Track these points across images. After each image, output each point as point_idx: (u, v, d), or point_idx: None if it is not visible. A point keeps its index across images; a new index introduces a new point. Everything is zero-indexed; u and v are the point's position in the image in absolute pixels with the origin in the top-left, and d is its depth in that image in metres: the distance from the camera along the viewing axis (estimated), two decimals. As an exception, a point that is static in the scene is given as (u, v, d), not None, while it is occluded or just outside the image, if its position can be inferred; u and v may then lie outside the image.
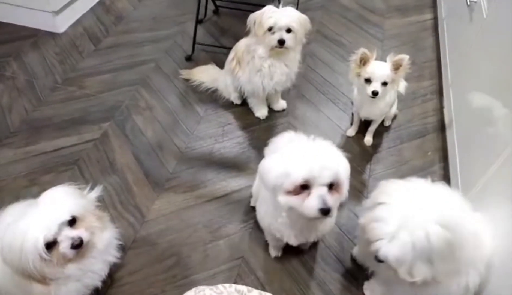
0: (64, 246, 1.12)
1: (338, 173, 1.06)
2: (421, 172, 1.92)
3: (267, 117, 2.18)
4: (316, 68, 2.53)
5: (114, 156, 1.94)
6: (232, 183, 1.84)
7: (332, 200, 1.05)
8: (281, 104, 2.23)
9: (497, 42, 1.67)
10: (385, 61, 1.70)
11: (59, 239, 1.11)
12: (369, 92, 1.67)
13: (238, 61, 2.00)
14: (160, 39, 2.71)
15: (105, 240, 1.28)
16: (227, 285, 0.89)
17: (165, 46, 2.65)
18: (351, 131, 2.07)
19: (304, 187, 1.05)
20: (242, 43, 1.98)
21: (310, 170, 1.02)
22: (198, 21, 2.72)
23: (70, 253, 1.13)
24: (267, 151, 1.49)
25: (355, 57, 1.71)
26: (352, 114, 2.13)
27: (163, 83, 2.37)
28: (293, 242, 1.33)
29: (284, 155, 1.10)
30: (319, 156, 1.05)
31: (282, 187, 1.06)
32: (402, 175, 1.88)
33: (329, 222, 1.31)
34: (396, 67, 1.67)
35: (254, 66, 1.91)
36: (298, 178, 1.02)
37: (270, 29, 1.74)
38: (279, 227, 1.29)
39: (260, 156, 1.92)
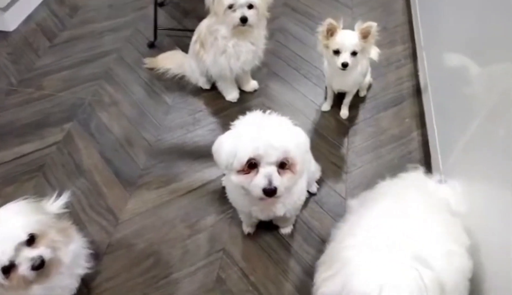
0: (23, 269, 1.03)
1: (287, 151, 1.00)
2: (399, 140, 1.87)
3: (239, 100, 2.09)
4: (287, 43, 2.42)
5: (80, 158, 1.84)
6: (208, 172, 1.76)
7: (282, 180, 1.01)
8: (252, 84, 2.14)
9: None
10: (355, 29, 1.62)
11: (17, 261, 1.02)
12: (339, 64, 1.59)
13: (202, 43, 1.89)
14: (120, 27, 2.56)
15: (71, 253, 1.20)
16: None
17: (126, 34, 2.50)
18: (326, 106, 2.00)
19: (253, 166, 1.01)
20: (204, 24, 1.86)
21: (255, 148, 0.97)
22: (158, 4, 2.58)
23: (31, 274, 1.05)
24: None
25: (321, 28, 1.62)
26: (326, 87, 2.05)
27: (127, 74, 2.24)
28: (261, 216, 1.31)
29: (233, 133, 1.05)
30: (266, 133, 1.00)
31: (232, 166, 1.02)
32: (380, 145, 1.85)
33: (291, 198, 1.25)
34: (365, 35, 1.59)
35: (218, 48, 1.80)
36: (243, 157, 0.98)
37: (230, 6, 1.64)
38: (244, 202, 1.27)
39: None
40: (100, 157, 1.84)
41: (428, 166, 1.72)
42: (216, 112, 2.03)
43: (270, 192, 0.99)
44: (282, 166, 1.02)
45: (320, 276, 0.98)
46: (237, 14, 1.65)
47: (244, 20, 1.66)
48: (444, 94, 1.72)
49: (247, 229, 1.54)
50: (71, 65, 2.31)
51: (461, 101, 1.51)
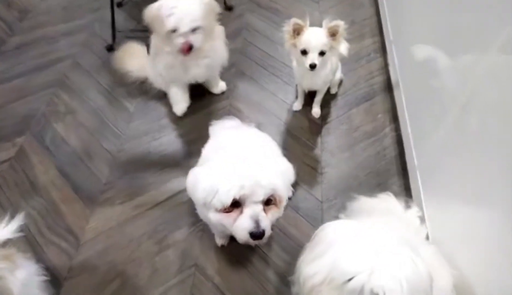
0: None
1: (275, 188, 0.90)
2: (373, 136, 1.82)
3: (207, 103, 1.99)
4: (254, 41, 2.34)
5: (35, 174, 1.68)
6: (176, 182, 1.65)
7: (268, 219, 0.91)
8: (220, 86, 2.02)
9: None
10: (322, 26, 1.55)
11: None
12: (307, 65, 1.52)
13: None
14: (75, 31, 2.39)
15: (18, 282, 1.07)
16: None
17: (82, 38, 2.34)
18: (297, 105, 1.93)
19: (236, 204, 0.90)
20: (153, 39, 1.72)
21: (241, 187, 0.86)
22: (117, 4, 2.43)
23: None
24: (212, 130, 1.45)
25: (287, 28, 1.54)
26: (296, 86, 1.98)
27: (84, 81, 2.09)
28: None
29: (212, 168, 0.93)
30: (251, 170, 0.89)
31: (212, 204, 0.90)
32: (354, 143, 1.80)
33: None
34: (333, 33, 1.52)
35: (167, 62, 1.68)
36: (227, 197, 0.87)
37: (173, 30, 1.49)
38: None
39: (202, 146, 1.74)
40: (57, 172, 1.69)
41: (403, 162, 1.69)
42: (182, 118, 1.91)
43: (258, 235, 0.89)
44: (267, 202, 0.92)
45: (306, 257, 0.91)
46: (180, 40, 1.51)
47: (189, 48, 1.53)
48: (415, 88, 1.68)
49: (220, 241, 1.44)
50: (22, 73, 2.13)
51: (433, 95, 1.48)
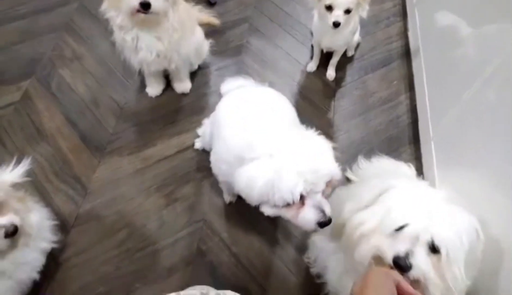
0: None
1: (333, 174, 0.87)
2: (387, 103, 1.79)
3: (218, 59, 1.91)
4: (269, -5, 2.23)
5: (40, 120, 1.65)
6: (184, 137, 1.63)
7: (328, 204, 0.89)
8: (182, 86, 1.75)
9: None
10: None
11: None
12: (330, 23, 1.44)
13: None
14: (81, -29, 2.26)
15: (35, 223, 1.09)
16: (173, 294, 0.72)
17: (89, -20, 2.22)
18: (312, 66, 1.86)
19: None
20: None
21: (305, 183, 0.83)
22: None
23: (4, 243, 0.97)
24: (223, 87, 1.38)
25: None
26: (312, 46, 1.91)
27: (91, 26, 2.00)
28: None
29: (268, 164, 0.87)
30: (308, 161, 0.84)
31: (271, 201, 0.87)
32: (368, 109, 1.76)
33: None
34: None
35: (118, 39, 1.45)
36: (294, 195, 0.83)
37: None
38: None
39: (215, 101, 1.70)
40: (64, 119, 1.65)
41: (416, 131, 1.66)
42: (192, 73, 1.84)
43: (326, 223, 0.87)
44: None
45: (352, 207, 0.91)
46: None
47: (146, 5, 1.23)
48: (437, 56, 1.62)
49: (228, 197, 1.44)
50: (26, 14, 2.03)
51: (456, 65, 1.42)
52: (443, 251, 0.75)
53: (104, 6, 1.35)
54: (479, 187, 1.14)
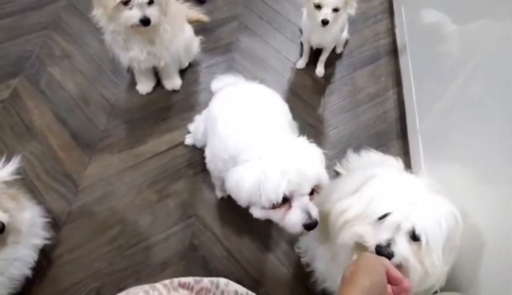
0: None
1: (320, 178, 0.89)
2: (376, 99, 1.82)
3: (209, 56, 1.93)
4: (258, -7, 2.24)
5: (30, 118, 1.64)
6: (175, 134, 1.63)
7: (315, 207, 0.90)
8: (172, 83, 1.76)
9: None
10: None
11: None
12: (319, 20, 1.47)
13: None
14: (69, -31, 2.25)
15: (26, 221, 1.09)
16: (167, 281, 0.73)
17: (77, -23, 2.21)
18: (302, 63, 1.89)
19: (284, 199, 0.87)
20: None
21: (288, 183, 0.84)
22: None
23: None
24: (214, 85, 1.38)
25: None
26: (302, 43, 1.93)
27: (80, 24, 2.00)
28: None
29: (255, 165, 0.89)
30: (295, 163, 0.86)
31: (258, 202, 0.88)
32: (357, 104, 1.79)
33: None
34: None
35: (110, 41, 1.50)
36: (277, 195, 0.84)
37: (125, 3, 1.28)
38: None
39: (206, 98, 1.71)
40: (54, 117, 1.65)
41: (404, 126, 1.69)
42: (182, 70, 1.85)
43: (312, 225, 0.88)
44: (311, 191, 0.90)
45: (336, 196, 0.93)
46: (135, 14, 1.29)
47: (146, 22, 1.30)
48: (423, 52, 1.66)
49: (220, 193, 1.46)
50: (13, 12, 2.02)
51: (441, 60, 1.46)
52: (423, 239, 0.79)
53: (96, 13, 1.35)
54: (463, 179, 1.18)
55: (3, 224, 0.97)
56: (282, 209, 0.89)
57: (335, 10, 1.48)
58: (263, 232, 1.41)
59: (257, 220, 1.41)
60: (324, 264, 1.06)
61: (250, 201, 0.91)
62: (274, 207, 0.88)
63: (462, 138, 1.21)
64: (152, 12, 1.32)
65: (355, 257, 0.85)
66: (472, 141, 1.14)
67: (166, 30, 1.46)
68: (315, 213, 0.89)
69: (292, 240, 1.37)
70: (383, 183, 0.90)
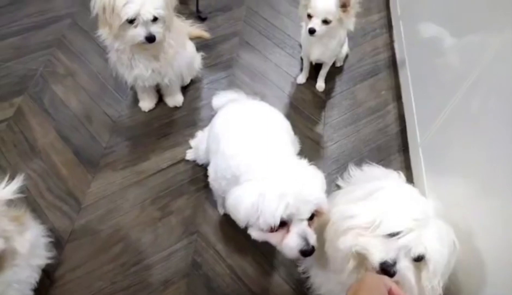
0: None
1: (320, 203, 0.88)
2: (376, 113, 1.83)
3: (210, 71, 1.95)
4: (258, 10, 2.28)
5: (34, 136, 1.66)
6: (178, 150, 1.64)
7: (313, 234, 0.89)
8: (175, 100, 1.78)
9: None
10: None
11: None
12: (306, 29, 1.50)
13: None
14: (73, -12, 2.29)
15: (27, 242, 1.08)
16: None
17: (80, -3, 2.25)
18: (302, 78, 1.91)
19: (282, 223, 0.87)
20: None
21: (286, 207, 0.83)
22: (116, -36, 2.31)
23: None
24: (215, 101, 1.40)
25: None
26: (302, 58, 1.95)
27: (83, 42, 2.03)
28: None
29: (254, 186, 0.89)
30: (294, 186, 0.85)
31: (256, 224, 0.88)
32: (357, 118, 1.80)
33: None
34: (344, 4, 1.49)
35: (115, 60, 1.52)
36: (274, 219, 0.84)
37: (131, 21, 1.31)
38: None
39: (208, 114, 1.73)
40: (57, 135, 1.66)
41: (405, 139, 1.70)
42: (185, 87, 1.87)
43: (308, 252, 0.87)
44: (311, 216, 0.90)
45: (342, 198, 0.94)
46: (141, 32, 1.33)
47: (151, 39, 1.34)
48: (422, 66, 1.67)
49: (222, 209, 1.46)
50: (18, 31, 2.05)
51: (440, 74, 1.47)
52: (430, 265, 0.79)
53: (101, 33, 1.39)
54: (466, 193, 1.18)
55: None
56: (280, 233, 0.88)
57: (325, 21, 1.50)
58: (265, 249, 1.40)
59: (259, 237, 1.42)
60: (320, 271, 1.06)
61: (248, 222, 0.90)
62: (272, 230, 0.87)
63: (464, 152, 1.21)
64: (156, 29, 1.36)
65: (351, 264, 0.84)
66: (474, 154, 1.14)
67: (171, 45, 1.49)
68: (312, 240, 0.88)
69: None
70: (393, 198, 0.90)
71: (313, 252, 0.87)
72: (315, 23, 1.50)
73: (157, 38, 1.36)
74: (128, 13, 1.28)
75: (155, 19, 1.34)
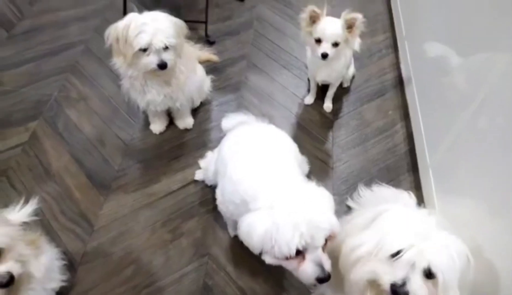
0: None
1: (333, 228, 0.89)
2: (384, 133, 1.84)
3: (219, 94, 1.99)
4: (265, 33, 2.34)
5: (48, 160, 1.69)
6: (188, 172, 1.67)
7: (328, 259, 0.90)
8: (185, 122, 1.82)
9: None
10: (337, 17, 1.55)
11: None
12: (319, 54, 1.53)
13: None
14: (87, 16, 2.38)
15: (42, 266, 1.10)
16: None
17: (94, 24, 2.33)
18: (309, 99, 1.94)
19: (297, 252, 0.88)
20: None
21: (300, 237, 0.84)
22: (128, -8, 2.40)
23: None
24: (224, 123, 1.43)
25: (304, 15, 1.55)
26: (308, 80, 1.99)
27: (96, 68, 2.09)
28: None
29: (267, 214, 0.90)
30: (306, 214, 0.86)
31: (271, 252, 0.89)
32: (366, 139, 1.81)
33: None
34: (349, 26, 1.52)
35: (128, 86, 1.58)
36: (289, 249, 0.84)
37: (144, 50, 1.37)
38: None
39: (218, 136, 1.76)
40: (70, 158, 1.70)
41: (414, 159, 1.71)
42: (195, 108, 1.91)
43: (324, 279, 0.88)
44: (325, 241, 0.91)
45: (349, 230, 0.93)
46: (153, 60, 1.38)
47: (163, 66, 1.40)
48: (428, 85, 1.69)
49: (233, 231, 1.46)
50: (33, 58, 2.12)
51: (447, 93, 1.49)
52: (439, 276, 0.78)
53: (116, 62, 1.45)
54: (477, 212, 1.17)
55: (12, 276, 0.95)
56: (296, 260, 0.89)
57: (335, 44, 1.53)
58: (277, 271, 1.40)
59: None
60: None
61: (262, 250, 0.91)
62: (287, 258, 0.88)
63: (474, 172, 1.22)
64: (168, 57, 1.41)
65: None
66: (484, 173, 1.15)
67: (182, 70, 1.55)
68: (328, 266, 0.88)
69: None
70: (393, 219, 0.90)
71: (329, 278, 0.88)
72: (326, 48, 1.53)
73: (169, 65, 1.41)
74: (141, 43, 1.33)
75: (166, 48, 1.39)
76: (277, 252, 0.87)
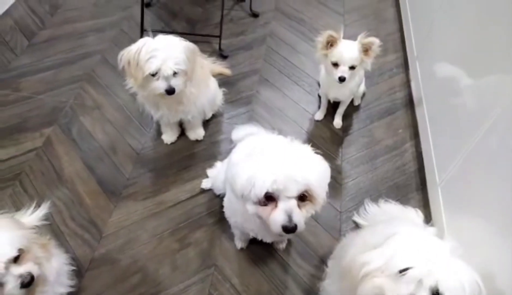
0: (11, 287, 0.96)
1: (308, 184, 0.91)
2: (393, 151, 1.85)
3: (230, 107, 2.02)
4: (278, 49, 2.37)
5: (61, 165, 1.72)
6: (197, 181, 1.68)
7: (301, 214, 0.93)
8: (197, 134, 1.86)
9: (462, 7, 1.59)
10: (349, 38, 1.58)
11: (4, 279, 0.95)
12: (336, 78, 1.55)
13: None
14: (104, 27, 2.45)
15: (54, 270, 1.12)
16: None
17: (111, 35, 2.40)
18: (320, 115, 1.95)
19: (271, 198, 0.92)
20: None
21: (273, 182, 0.88)
22: (145, 5, 2.49)
23: (19, 293, 0.97)
24: (234, 134, 1.45)
25: (321, 39, 1.57)
26: (319, 96, 2.01)
27: (111, 77, 2.14)
28: (268, 240, 1.24)
29: (251, 161, 0.95)
30: (286, 165, 0.90)
31: (249, 196, 0.93)
32: (375, 156, 1.81)
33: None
34: (366, 49, 1.55)
35: (141, 102, 1.65)
36: (260, 190, 0.89)
37: (153, 75, 1.40)
38: (252, 227, 1.18)
39: (228, 148, 1.78)
40: (83, 164, 1.73)
41: (423, 178, 1.70)
42: (207, 120, 1.94)
43: (290, 229, 0.91)
44: (302, 198, 0.93)
45: (359, 248, 0.94)
46: (161, 85, 1.42)
47: (171, 92, 1.43)
48: (439, 105, 1.70)
49: (239, 243, 1.47)
50: (51, 66, 2.18)
51: (458, 113, 1.49)
52: None
53: (129, 83, 1.52)
54: (485, 234, 1.17)
55: (32, 277, 0.98)
56: (269, 208, 0.93)
57: (352, 67, 1.55)
58: (281, 283, 1.40)
59: (275, 270, 1.42)
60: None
61: (243, 195, 0.95)
62: (262, 204, 0.92)
63: (484, 193, 1.21)
64: (176, 83, 1.44)
65: None
66: (494, 195, 1.14)
67: (192, 92, 1.58)
68: (296, 218, 0.91)
69: (310, 292, 1.35)
70: (405, 238, 0.90)
71: (295, 230, 0.91)
72: (343, 71, 1.55)
73: (177, 91, 1.45)
74: (150, 67, 1.37)
75: (175, 73, 1.42)
76: (252, 195, 0.91)
